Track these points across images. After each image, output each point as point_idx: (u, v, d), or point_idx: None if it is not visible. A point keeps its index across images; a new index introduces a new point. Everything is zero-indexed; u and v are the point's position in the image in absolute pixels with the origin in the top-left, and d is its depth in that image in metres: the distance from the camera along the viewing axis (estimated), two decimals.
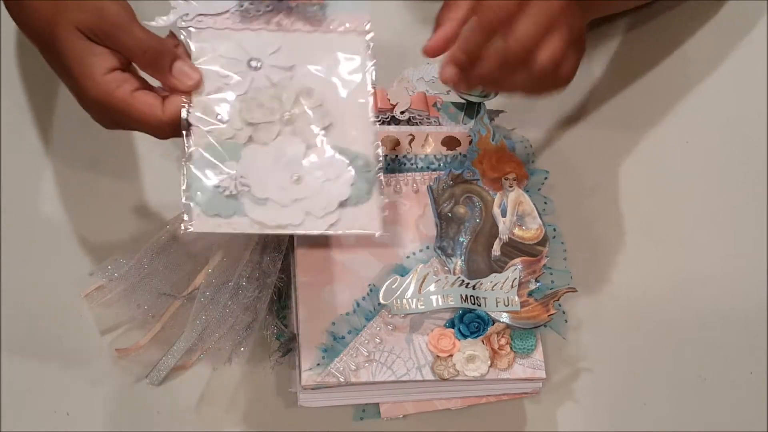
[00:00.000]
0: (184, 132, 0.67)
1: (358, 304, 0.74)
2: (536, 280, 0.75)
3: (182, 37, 0.69)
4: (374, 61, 0.70)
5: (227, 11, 0.70)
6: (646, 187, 0.83)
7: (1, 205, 0.83)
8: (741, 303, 0.80)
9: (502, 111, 0.80)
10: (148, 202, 0.83)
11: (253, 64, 0.70)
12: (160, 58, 0.67)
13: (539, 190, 0.80)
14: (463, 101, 0.80)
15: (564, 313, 0.76)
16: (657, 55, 0.88)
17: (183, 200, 0.66)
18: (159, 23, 0.69)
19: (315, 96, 0.69)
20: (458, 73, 0.66)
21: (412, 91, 0.80)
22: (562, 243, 0.79)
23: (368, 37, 0.71)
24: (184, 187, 0.66)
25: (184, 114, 0.67)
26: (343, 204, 0.67)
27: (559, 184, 0.82)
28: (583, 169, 0.84)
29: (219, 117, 0.68)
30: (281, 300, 0.76)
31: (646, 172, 0.84)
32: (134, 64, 0.68)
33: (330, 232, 0.67)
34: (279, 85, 0.69)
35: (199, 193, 0.66)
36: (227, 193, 0.66)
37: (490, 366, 0.73)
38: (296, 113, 0.69)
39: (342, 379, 0.71)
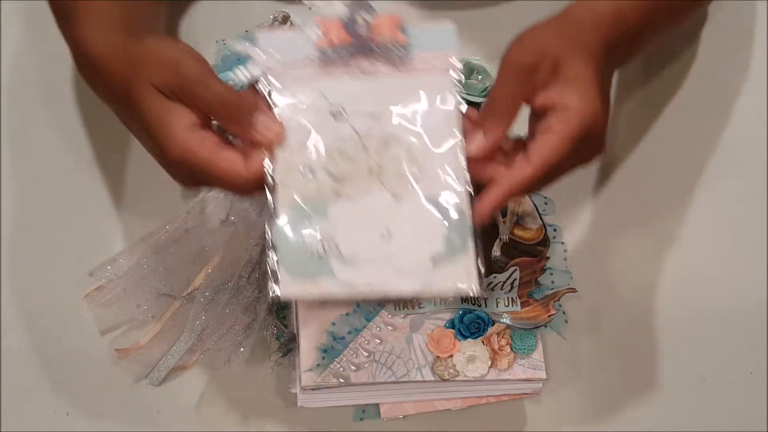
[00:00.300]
0: (267, 189, 0.64)
1: (358, 304, 0.74)
2: (536, 281, 0.75)
3: (263, 88, 0.67)
4: (463, 101, 0.67)
5: (308, 59, 0.67)
6: (646, 187, 0.83)
7: (1, 204, 0.84)
8: (741, 303, 0.80)
9: None
10: (148, 202, 0.83)
11: (337, 113, 0.66)
12: (240, 111, 0.64)
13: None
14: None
15: (564, 313, 0.76)
16: (657, 55, 0.88)
17: (269, 262, 0.63)
18: (239, 76, 0.67)
19: (402, 142, 0.66)
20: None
21: None
22: (563, 243, 0.79)
23: (455, 75, 0.68)
24: (270, 247, 0.63)
25: (267, 170, 0.64)
26: (436, 259, 0.63)
27: (559, 184, 0.82)
28: (583, 169, 0.83)
29: (303, 171, 0.65)
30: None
31: (645, 172, 0.84)
32: (214, 119, 0.65)
33: (423, 291, 0.63)
34: (364, 133, 0.66)
35: (285, 254, 0.63)
36: (314, 253, 0.63)
37: (491, 366, 0.73)
38: (383, 162, 0.65)
39: (342, 380, 0.71)
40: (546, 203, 0.79)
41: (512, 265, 0.75)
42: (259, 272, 0.76)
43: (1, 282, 0.81)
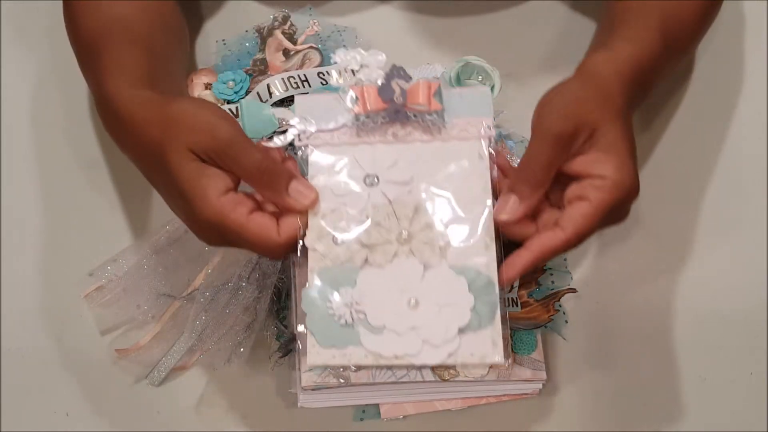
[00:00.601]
0: (299, 256, 0.65)
1: None
2: (536, 281, 0.75)
3: (299, 154, 0.68)
4: (495, 167, 0.68)
5: (343, 125, 0.69)
6: (645, 187, 0.83)
7: (1, 204, 0.84)
8: (741, 303, 0.80)
9: (501, 111, 0.80)
10: (148, 203, 0.83)
11: (370, 180, 0.67)
12: (276, 178, 0.65)
13: None
14: None
15: (564, 313, 0.76)
16: None
17: (298, 329, 0.65)
18: (276, 143, 0.67)
19: (433, 210, 0.67)
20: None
21: None
22: None
23: (489, 142, 0.68)
24: (299, 315, 0.65)
25: (301, 240, 0.65)
26: (462, 330, 0.64)
27: None
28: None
29: (335, 239, 0.66)
30: (281, 300, 0.76)
31: (645, 172, 0.84)
32: (247, 184, 0.66)
33: (449, 362, 0.64)
34: (395, 200, 0.67)
35: (314, 322, 0.64)
36: (342, 321, 0.64)
37: (491, 367, 0.72)
38: (414, 230, 0.66)
39: (342, 380, 0.71)
40: None
41: None
42: (259, 272, 0.76)
43: (2, 282, 0.81)
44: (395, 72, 0.68)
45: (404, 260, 0.66)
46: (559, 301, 0.75)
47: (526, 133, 0.82)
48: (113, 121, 0.70)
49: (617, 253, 0.81)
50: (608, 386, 0.78)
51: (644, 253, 0.81)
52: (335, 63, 0.75)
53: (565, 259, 0.78)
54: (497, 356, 0.64)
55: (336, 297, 0.65)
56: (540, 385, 0.74)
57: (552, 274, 0.76)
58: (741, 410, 0.77)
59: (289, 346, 0.74)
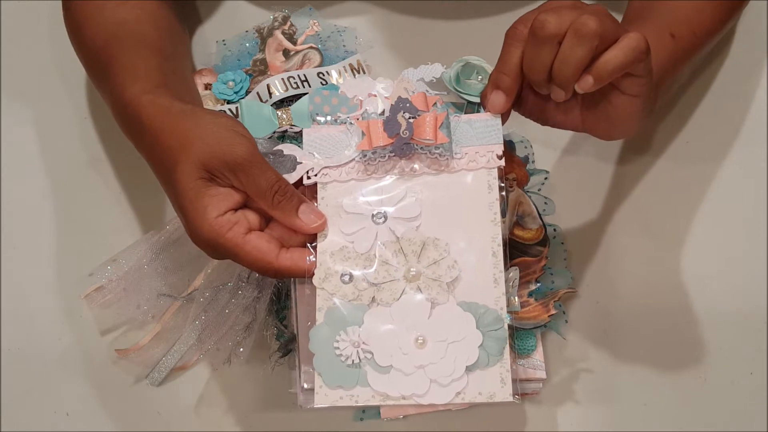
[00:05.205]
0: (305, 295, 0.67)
1: None
2: (536, 281, 0.75)
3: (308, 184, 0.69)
4: (505, 198, 0.67)
5: (350, 160, 0.69)
6: (646, 187, 0.83)
7: (1, 204, 0.84)
8: (741, 303, 0.80)
9: None
10: (148, 204, 0.83)
11: (378, 218, 0.67)
12: (288, 199, 0.66)
13: (539, 190, 0.80)
14: (463, 102, 0.80)
15: (564, 313, 0.76)
16: None
17: (304, 368, 0.65)
18: (288, 178, 0.68)
19: (441, 246, 0.66)
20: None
21: (412, 92, 0.79)
22: (563, 243, 0.79)
23: (499, 172, 0.68)
24: (305, 355, 0.65)
25: (316, 280, 0.66)
26: (470, 368, 0.63)
27: (559, 184, 0.82)
28: (583, 169, 0.84)
29: (342, 277, 0.66)
30: (281, 300, 0.76)
31: (646, 172, 0.84)
32: (258, 203, 0.67)
33: (457, 402, 0.64)
34: (402, 237, 0.66)
35: (322, 362, 0.64)
36: (349, 362, 0.64)
37: None
38: (421, 267, 0.66)
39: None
40: (546, 203, 0.79)
41: (512, 265, 0.75)
42: None
43: (1, 282, 0.81)
44: (400, 104, 0.68)
45: (411, 298, 0.65)
46: (559, 301, 0.75)
47: (526, 132, 0.82)
48: (134, 126, 0.70)
49: (617, 253, 0.81)
50: (608, 386, 0.77)
51: (644, 253, 0.81)
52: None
53: (565, 259, 0.78)
54: (506, 395, 0.63)
55: (343, 337, 0.64)
56: (540, 385, 0.74)
57: (552, 274, 0.76)
58: (741, 410, 0.77)
59: (289, 346, 0.74)
